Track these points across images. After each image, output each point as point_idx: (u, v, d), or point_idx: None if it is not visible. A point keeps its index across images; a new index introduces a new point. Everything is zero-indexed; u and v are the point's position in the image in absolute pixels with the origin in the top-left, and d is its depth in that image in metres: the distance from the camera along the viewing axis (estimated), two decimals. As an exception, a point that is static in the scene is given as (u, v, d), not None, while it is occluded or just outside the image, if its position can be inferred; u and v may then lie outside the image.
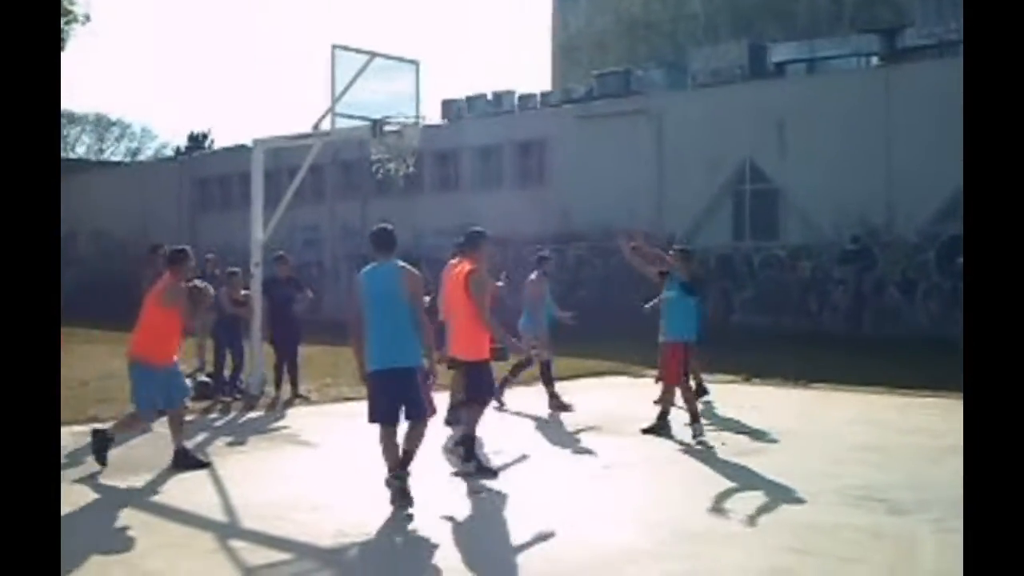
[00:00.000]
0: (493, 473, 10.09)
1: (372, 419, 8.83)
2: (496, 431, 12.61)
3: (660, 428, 12.19)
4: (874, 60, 30.70)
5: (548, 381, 14.48)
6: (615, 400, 15.37)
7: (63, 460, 10.28)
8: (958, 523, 7.82)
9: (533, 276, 14.86)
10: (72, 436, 11.35)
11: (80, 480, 9.79)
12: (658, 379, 13.01)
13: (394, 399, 8.69)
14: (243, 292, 15.68)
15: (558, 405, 14.25)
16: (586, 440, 12.23)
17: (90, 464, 10.25)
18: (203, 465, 10.42)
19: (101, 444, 10.30)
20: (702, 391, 14.60)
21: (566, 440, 12.23)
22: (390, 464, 8.79)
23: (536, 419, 13.63)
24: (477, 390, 10.37)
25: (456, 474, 10.00)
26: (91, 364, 17.87)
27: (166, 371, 10.41)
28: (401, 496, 8.62)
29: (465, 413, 10.70)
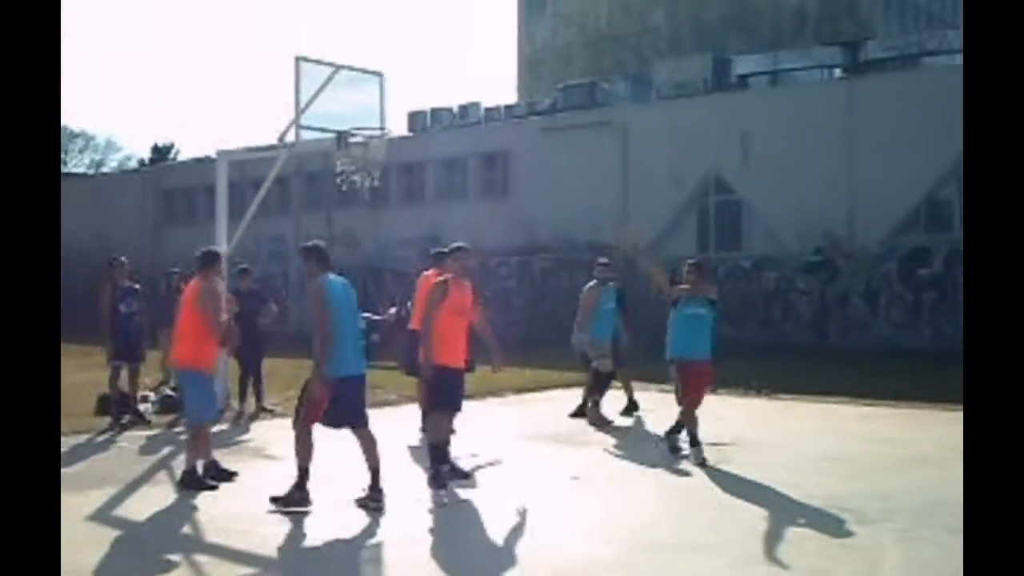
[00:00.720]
0: (465, 475, 10.33)
1: (365, 421, 9.37)
2: (466, 440, 12.61)
3: (698, 455, 11.25)
4: (837, 72, 30.95)
5: (597, 390, 14.43)
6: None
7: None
8: (923, 532, 7.90)
9: (591, 284, 14.82)
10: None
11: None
12: (686, 397, 11.72)
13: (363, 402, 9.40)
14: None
15: (597, 418, 14.22)
16: (550, 451, 12.23)
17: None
18: (214, 487, 10.04)
19: (193, 481, 9.97)
20: (634, 406, 14.80)
21: (530, 451, 12.23)
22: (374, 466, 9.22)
23: (501, 430, 13.61)
24: (436, 398, 10.37)
25: (430, 482, 10.01)
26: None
27: (212, 377, 10.24)
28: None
29: (429, 422, 10.77)
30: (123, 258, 15.28)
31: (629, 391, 14.80)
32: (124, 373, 14.62)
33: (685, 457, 11.35)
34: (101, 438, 13.26)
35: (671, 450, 11.60)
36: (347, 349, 9.11)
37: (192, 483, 9.97)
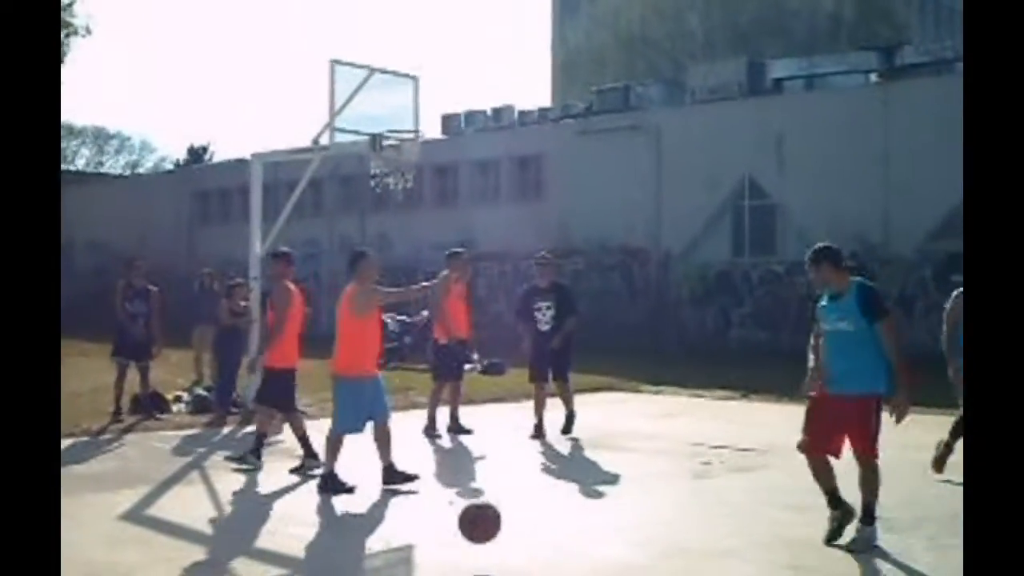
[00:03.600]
0: (257, 462, 11.08)
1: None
2: (492, 447, 12.68)
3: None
4: (872, 77, 30.76)
5: None
6: (611, 416, 15.35)
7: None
8: (952, 540, 7.84)
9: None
10: (64, 448, 11.31)
11: (73, 492, 9.78)
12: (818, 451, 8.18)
13: None
14: (242, 303, 15.69)
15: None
16: (581, 456, 12.23)
17: (82, 477, 10.25)
18: (411, 479, 10.10)
19: (332, 483, 9.88)
20: (541, 432, 13.48)
21: (560, 456, 12.23)
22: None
23: (533, 441, 13.62)
24: (268, 395, 11.46)
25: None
26: (84, 376, 17.85)
27: (374, 384, 10.14)
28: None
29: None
30: (139, 260, 15.49)
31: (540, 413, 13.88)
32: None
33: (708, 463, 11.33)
34: (133, 437, 13.35)
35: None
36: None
37: (331, 486, 9.80)
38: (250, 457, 11.08)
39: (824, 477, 8.07)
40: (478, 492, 9.91)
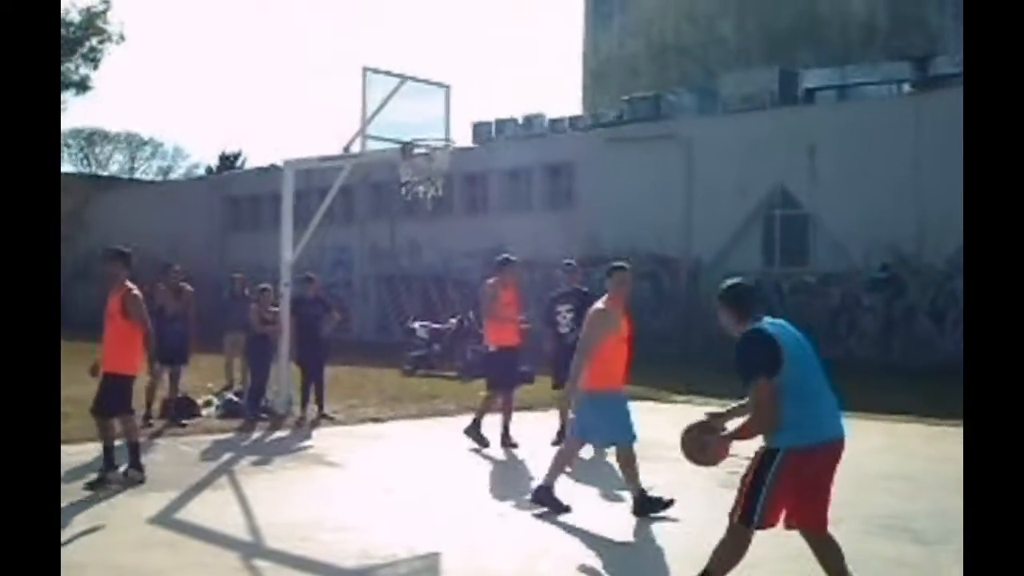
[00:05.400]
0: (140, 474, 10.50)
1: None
2: (517, 455, 12.69)
3: None
4: (906, 87, 30.61)
5: None
6: (640, 424, 15.24)
7: (85, 476, 10.34)
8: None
9: None
10: (89, 453, 11.34)
11: (104, 497, 9.84)
12: None
13: None
14: (272, 309, 15.79)
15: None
16: (607, 465, 12.20)
17: (112, 481, 10.30)
18: (666, 505, 9.51)
19: (548, 498, 9.54)
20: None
21: (586, 465, 12.22)
22: None
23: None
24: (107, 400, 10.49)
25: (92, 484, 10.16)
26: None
27: (620, 399, 9.76)
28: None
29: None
30: (176, 266, 15.63)
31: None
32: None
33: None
34: (162, 441, 13.42)
35: None
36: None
37: (546, 500, 9.50)
38: (131, 471, 10.49)
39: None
40: (504, 500, 9.93)
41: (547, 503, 9.44)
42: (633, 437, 9.72)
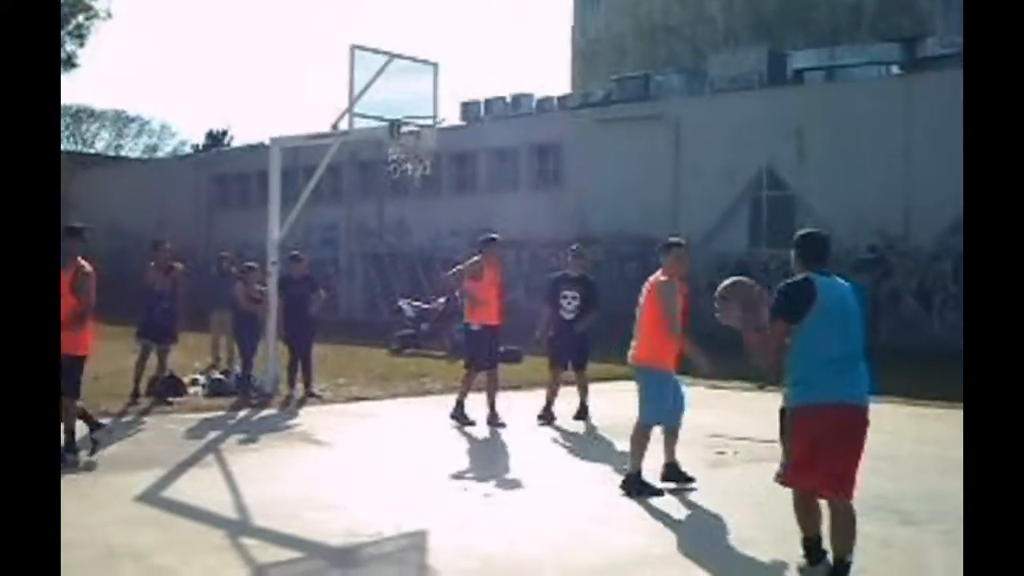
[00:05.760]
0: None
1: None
2: (507, 435, 12.70)
3: None
4: (894, 69, 30.61)
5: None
6: (627, 405, 15.26)
7: (79, 454, 10.30)
8: (970, 535, 7.81)
9: None
10: (81, 429, 11.30)
11: (90, 474, 9.82)
12: None
13: None
14: (258, 288, 15.75)
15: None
16: (596, 445, 12.23)
17: (100, 458, 10.28)
18: (689, 479, 9.67)
19: (639, 485, 9.38)
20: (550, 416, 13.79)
21: (575, 445, 12.24)
22: None
23: (544, 427, 13.62)
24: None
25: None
26: (103, 359, 17.84)
27: (673, 380, 9.73)
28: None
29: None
30: (168, 243, 15.55)
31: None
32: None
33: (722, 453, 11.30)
34: (150, 419, 13.39)
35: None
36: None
37: (637, 487, 9.38)
38: (66, 455, 10.01)
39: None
40: (490, 479, 9.94)
41: (640, 490, 9.30)
42: (676, 421, 9.78)
